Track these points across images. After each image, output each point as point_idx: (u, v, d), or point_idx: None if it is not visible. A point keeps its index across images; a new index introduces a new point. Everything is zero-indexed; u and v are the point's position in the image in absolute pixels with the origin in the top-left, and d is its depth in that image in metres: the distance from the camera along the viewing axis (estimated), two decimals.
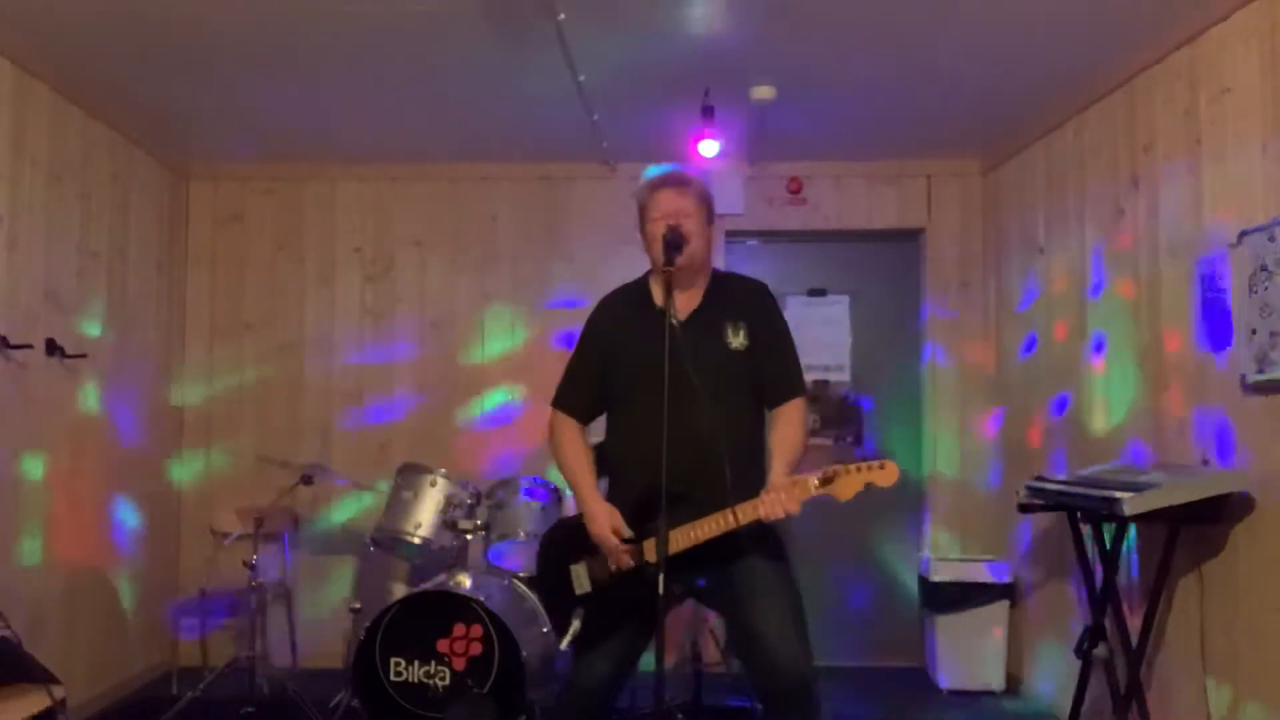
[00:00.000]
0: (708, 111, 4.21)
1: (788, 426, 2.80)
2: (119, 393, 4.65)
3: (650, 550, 2.65)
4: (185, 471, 5.33)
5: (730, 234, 5.45)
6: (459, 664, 3.76)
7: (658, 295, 2.79)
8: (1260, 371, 3.05)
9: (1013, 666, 4.87)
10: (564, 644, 2.76)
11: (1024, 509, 3.92)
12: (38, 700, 3.06)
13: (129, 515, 4.76)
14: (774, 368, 2.84)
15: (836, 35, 3.72)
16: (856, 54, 3.90)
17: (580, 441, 2.91)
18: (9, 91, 3.79)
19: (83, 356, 4.23)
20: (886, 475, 2.59)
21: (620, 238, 5.30)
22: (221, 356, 5.40)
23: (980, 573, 4.83)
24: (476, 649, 3.76)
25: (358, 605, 4.35)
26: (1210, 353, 3.34)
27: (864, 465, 2.61)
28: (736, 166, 5.21)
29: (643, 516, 2.68)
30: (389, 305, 5.43)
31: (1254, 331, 3.08)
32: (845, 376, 5.49)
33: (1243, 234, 3.15)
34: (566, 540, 2.86)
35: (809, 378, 5.47)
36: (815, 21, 3.59)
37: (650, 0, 3.44)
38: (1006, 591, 4.82)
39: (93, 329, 4.41)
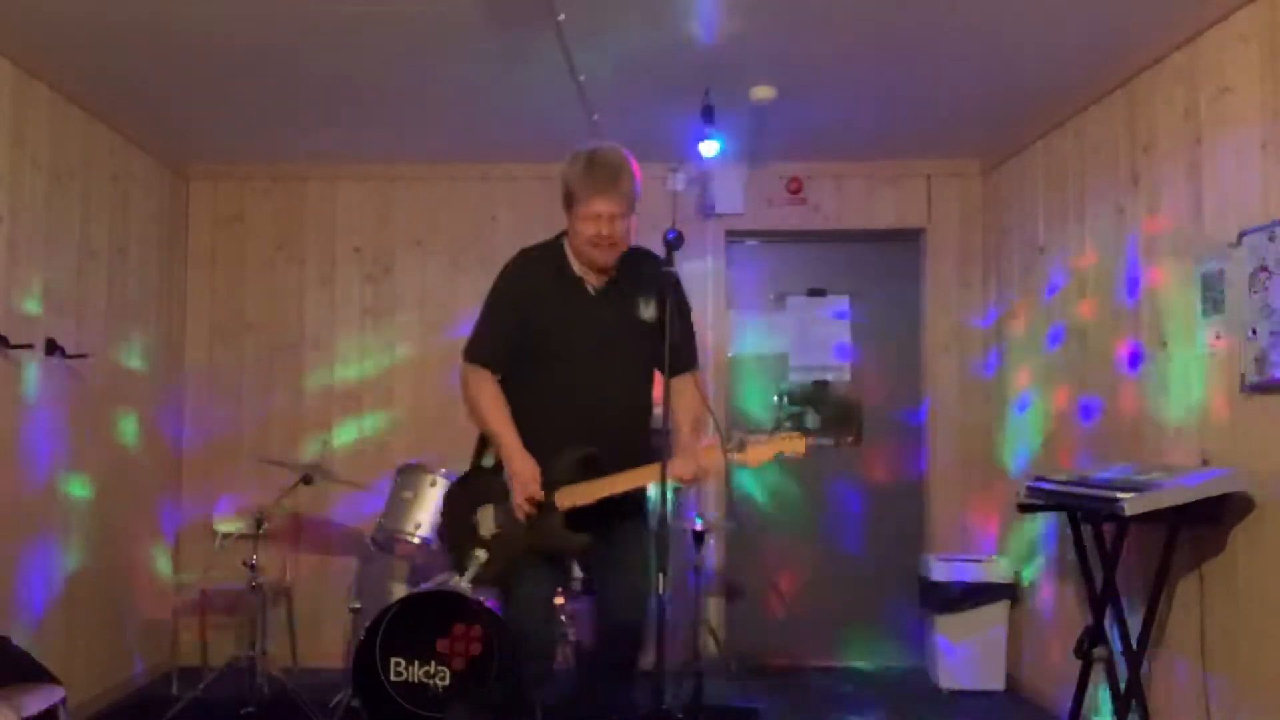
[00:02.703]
0: (708, 111, 4.21)
1: (692, 395, 2.97)
2: (119, 393, 4.65)
3: (561, 499, 2.83)
4: (185, 471, 5.32)
5: (730, 234, 5.45)
6: (459, 664, 3.75)
7: (575, 265, 2.95)
8: (1260, 371, 3.05)
9: (1013, 666, 4.87)
10: (465, 579, 2.91)
11: (1024, 509, 3.92)
12: (38, 700, 3.06)
13: (129, 515, 4.76)
14: (678, 340, 2.93)
15: (836, 35, 3.72)
16: (856, 54, 3.90)
17: (498, 391, 2.98)
18: (9, 91, 3.79)
19: (83, 356, 4.23)
20: (795, 445, 2.82)
21: None
22: (221, 356, 5.40)
23: (980, 573, 4.83)
24: (476, 649, 3.75)
25: (358, 605, 4.35)
26: (1210, 353, 3.34)
27: (775, 436, 2.84)
28: (736, 166, 5.21)
29: (555, 470, 2.85)
30: (389, 305, 5.43)
31: (1254, 331, 3.08)
32: (845, 376, 5.49)
33: (1243, 234, 3.15)
34: (476, 486, 3.00)
35: (809, 377, 5.57)
36: (815, 21, 3.59)
37: (650, 0, 3.44)
38: (1006, 591, 4.82)
39: (92, 329, 4.41)
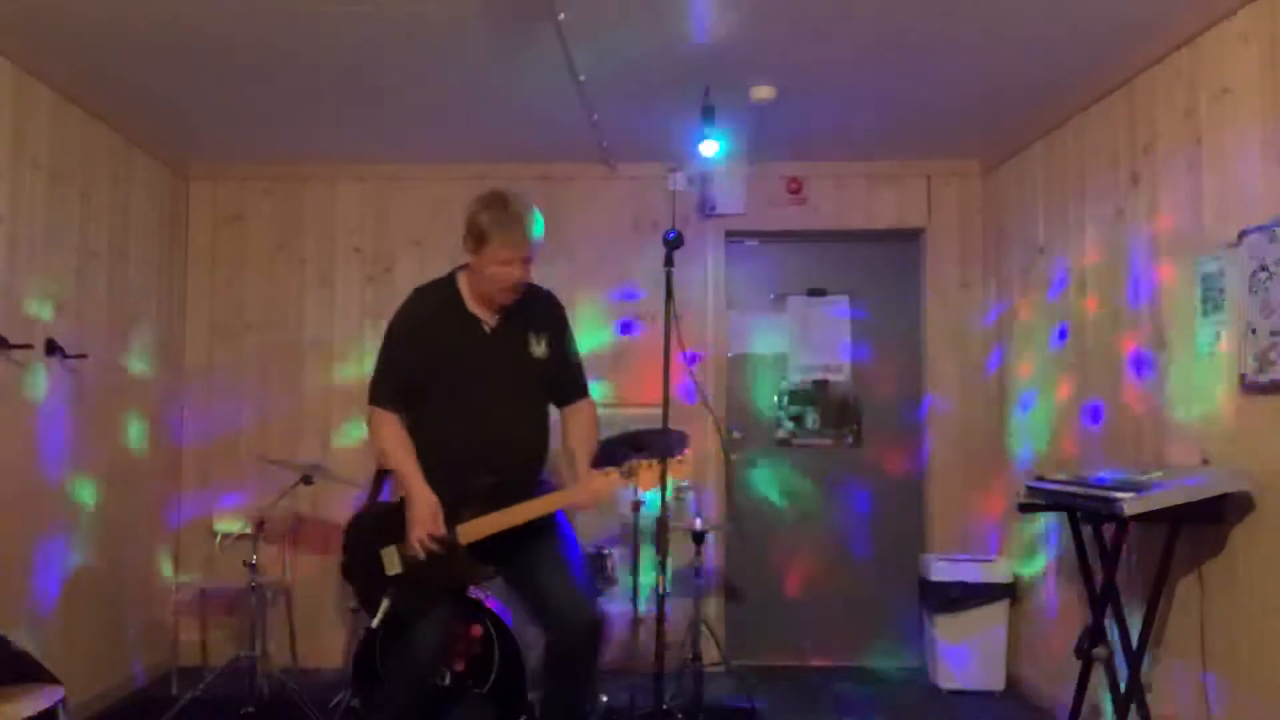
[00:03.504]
0: (708, 111, 4.21)
1: (586, 425, 3.15)
2: (119, 393, 4.65)
3: (465, 534, 2.92)
4: (186, 471, 5.32)
5: (730, 234, 5.45)
6: (459, 664, 3.76)
7: (469, 300, 3.07)
8: (1260, 371, 3.05)
9: (1013, 666, 4.87)
10: (375, 622, 2.94)
11: (1024, 509, 3.92)
12: (38, 700, 3.06)
13: (129, 515, 4.76)
14: (568, 373, 3.17)
15: (836, 35, 3.72)
16: (856, 54, 3.90)
17: (401, 431, 3.05)
18: (9, 91, 3.79)
19: (83, 356, 4.23)
20: (681, 469, 2.97)
21: (620, 237, 5.33)
22: (221, 356, 5.40)
23: (980, 573, 4.83)
24: (476, 649, 3.76)
25: (358, 605, 4.34)
26: (1210, 352, 3.34)
27: (662, 460, 2.95)
28: (736, 166, 5.21)
29: (454, 505, 2.93)
30: (389, 305, 5.39)
31: (1254, 331, 3.08)
32: (845, 376, 5.49)
33: (1243, 234, 3.15)
34: (376, 525, 3.06)
35: (809, 377, 5.57)
36: (815, 21, 3.59)
37: (650, 0, 3.44)
38: (1006, 591, 4.82)
39: (93, 329, 4.41)
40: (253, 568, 4.33)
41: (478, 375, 3.00)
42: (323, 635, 5.18)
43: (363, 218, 5.45)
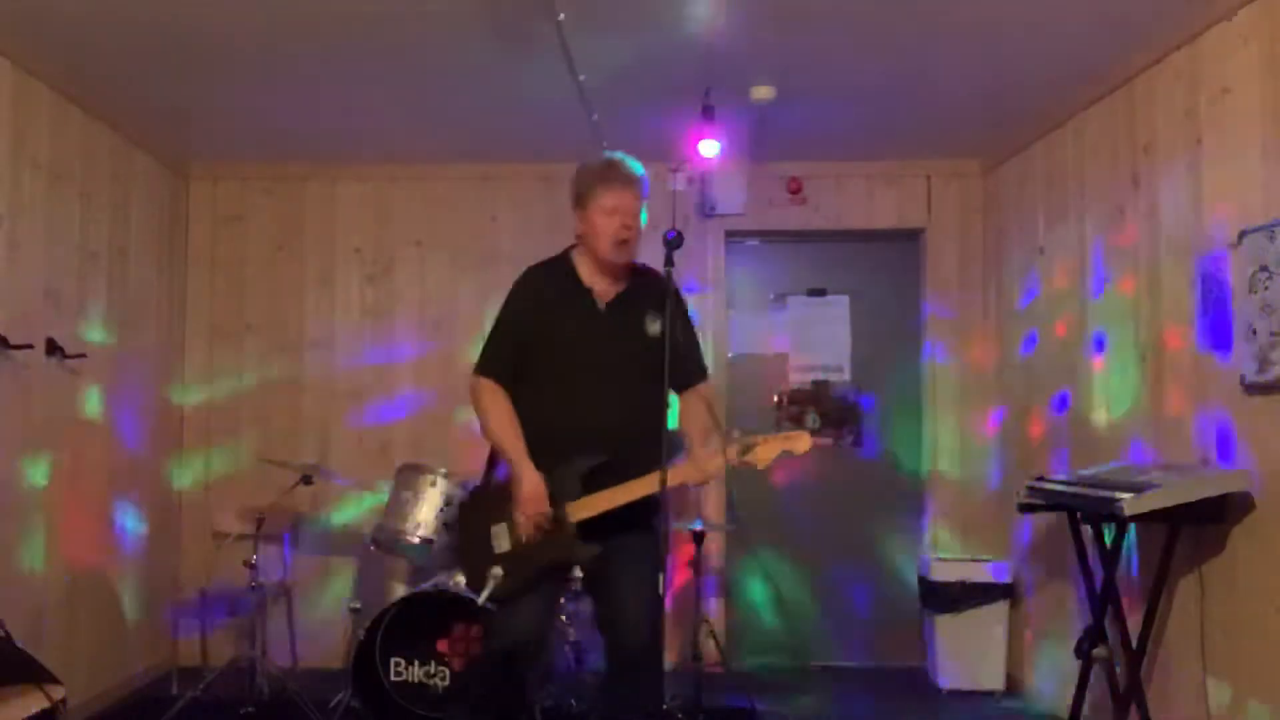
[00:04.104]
0: (708, 111, 4.21)
1: (700, 405, 3.05)
2: (119, 393, 4.65)
3: (574, 511, 2.85)
4: (185, 472, 5.33)
5: (730, 234, 5.45)
6: (459, 664, 3.76)
7: (584, 275, 3.00)
8: (1260, 371, 3.05)
9: (1013, 666, 4.87)
10: (482, 600, 2.87)
11: (1024, 509, 3.92)
12: (38, 700, 3.06)
13: (129, 516, 4.76)
14: (686, 355, 3.05)
15: (836, 35, 3.72)
16: (856, 54, 3.90)
17: (510, 407, 2.99)
18: (9, 91, 3.79)
19: (83, 356, 4.23)
20: (798, 443, 2.86)
21: None
22: (221, 357, 5.39)
23: (980, 573, 4.83)
24: (476, 649, 3.76)
25: (358, 605, 4.35)
26: (1210, 352, 3.34)
27: (779, 435, 2.87)
28: (736, 166, 5.21)
29: (563, 483, 2.86)
30: (389, 305, 5.43)
31: (1254, 331, 3.08)
32: (845, 376, 5.49)
33: (1243, 234, 3.15)
34: (489, 502, 3.00)
35: (809, 377, 5.57)
36: (815, 21, 3.59)
37: (650, 0, 3.44)
38: (1006, 591, 4.82)
39: (93, 329, 4.41)
40: (253, 568, 4.33)
41: (589, 351, 2.93)
42: (323, 635, 5.18)
43: (363, 218, 5.44)
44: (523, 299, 3.04)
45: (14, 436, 3.84)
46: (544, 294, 3.01)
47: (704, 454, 2.91)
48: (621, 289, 3.01)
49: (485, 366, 3.03)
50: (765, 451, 2.85)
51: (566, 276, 3.01)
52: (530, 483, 2.86)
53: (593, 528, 2.87)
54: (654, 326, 2.96)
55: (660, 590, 2.79)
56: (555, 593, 3.04)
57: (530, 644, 2.96)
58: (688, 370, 3.05)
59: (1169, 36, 3.53)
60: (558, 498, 2.87)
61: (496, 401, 2.98)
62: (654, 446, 2.72)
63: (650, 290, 2.98)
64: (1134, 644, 3.45)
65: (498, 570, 2.85)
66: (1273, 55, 3.06)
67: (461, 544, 3.10)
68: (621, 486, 2.84)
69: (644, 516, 2.90)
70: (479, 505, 3.07)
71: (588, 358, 2.93)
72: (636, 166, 2.99)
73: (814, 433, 5.40)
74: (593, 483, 2.85)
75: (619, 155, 3.01)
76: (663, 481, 2.68)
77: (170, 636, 5.19)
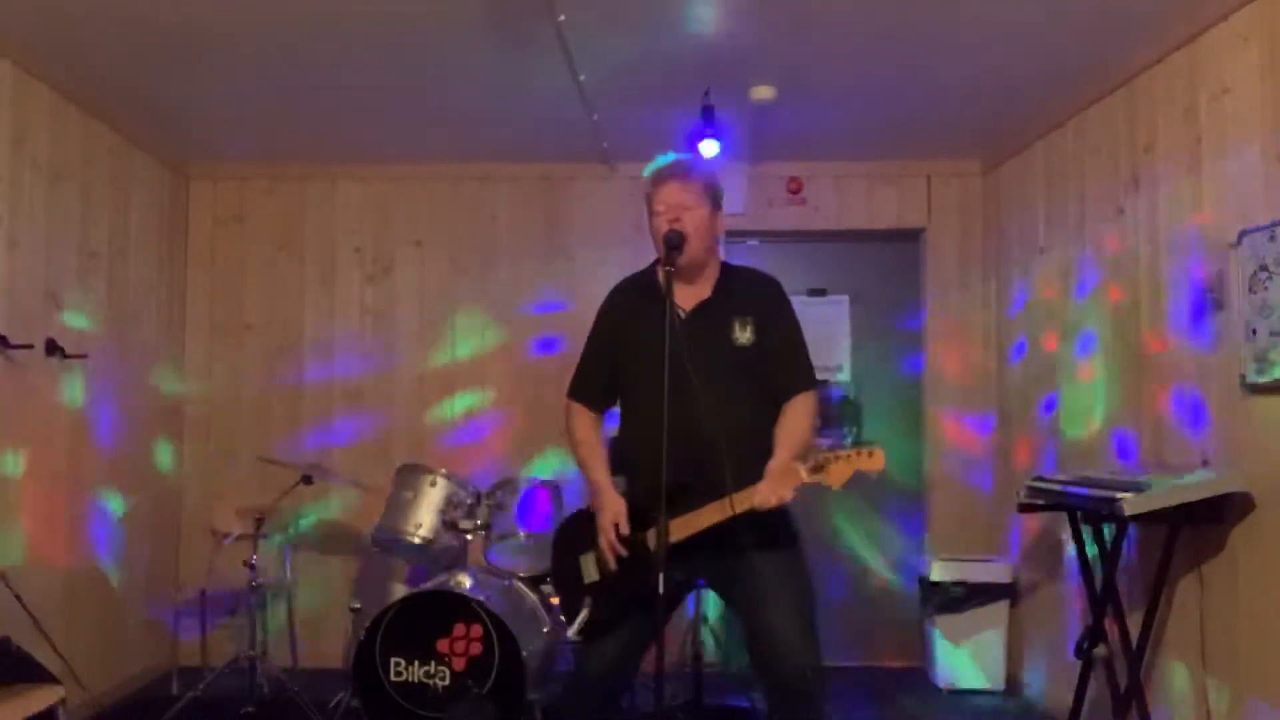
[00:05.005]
0: (708, 111, 4.21)
1: (793, 418, 2.78)
2: (119, 393, 4.65)
3: (651, 538, 2.63)
4: (185, 471, 5.32)
5: (730, 234, 5.43)
6: (459, 664, 3.76)
7: (665, 287, 2.75)
8: (1260, 372, 3.05)
9: (1013, 666, 4.87)
10: (572, 632, 2.77)
11: (1024, 509, 3.92)
12: (38, 700, 3.06)
13: (129, 515, 4.76)
14: (782, 363, 2.83)
15: (836, 35, 3.72)
16: (856, 54, 3.90)
17: (593, 431, 2.93)
18: (9, 91, 3.79)
19: (83, 356, 4.23)
20: (874, 462, 2.57)
21: (620, 238, 5.31)
22: (222, 356, 5.39)
23: (980, 573, 4.83)
24: (476, 649, 3.75)
25: (358, 605, 4.34)
26: (1210, 353, 3.34)
27: (853, 453, 2.59)
28: (736, 166, 5.21)
29: (648, 508, 2.66)
30: (389, 305, 5.43)
31: (1254, 331, 3.08)
32: (845, 376, 5.49)
33: (1243, 234, 3.15)
34: (578, 530, 2.88)
35: None
36: (815, 21, 3.59)
37: (650, 0, 3.44)
38: (1006, 591, 4.82)
39: (93, 329, 4.41)
40: (253, 568, 4.33)
41: (670, 365, 2.58)
42: (323, 635, 5.18)
43: (363, 218, 5.44)
44: (605, 316, 2.96)
45: (14, 437, 3.83)
46: (625, 309, 2.91)
47: (784, 471, 2.62)
48: (707, 295, 2.82)
49: (573, 388, 2.97)
50: (840, 470, 2.58)
51: (647, 288, 2.82)
52: (606, 509, 2.75)
53: (689, 554, 2.64)
54: (744, 334, 2.78)
55: (805, 609, 2.67)
56: (643, 631, 2.74)
57: (607, 679, 2.84)
58: (785, 380, 2.81)
59: (1169, 36, 3.53)
60: (639, 525, 2.71)
61: (580, 425, 2.92)
62: (745, 464, 2.58)
63: (744, 293, 2.84)
64: (1134, 644, 3.45)
65: (587, 605, 2.76)
66: (1273, 55, 3.06)
67: (555, 574, 2.99)
68: (695, 513, 2.63)
69: (769, 537, 2.73)
70: (572, 531, 2.94)
71: (670, 372, 2.59)
72: (682, 157, 2.88)
73: (814, 432, 5.41)
74: (678, 505, 2.59)
75: (670, 154, 2.89)
76: (731, 509, 2.53)
77: (170, 636, 5.19)
